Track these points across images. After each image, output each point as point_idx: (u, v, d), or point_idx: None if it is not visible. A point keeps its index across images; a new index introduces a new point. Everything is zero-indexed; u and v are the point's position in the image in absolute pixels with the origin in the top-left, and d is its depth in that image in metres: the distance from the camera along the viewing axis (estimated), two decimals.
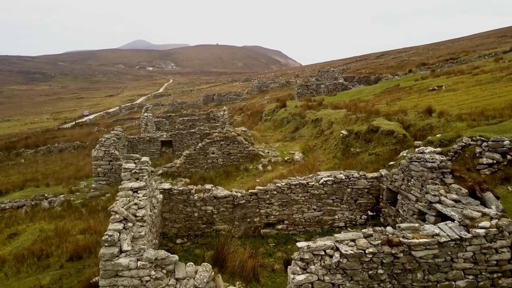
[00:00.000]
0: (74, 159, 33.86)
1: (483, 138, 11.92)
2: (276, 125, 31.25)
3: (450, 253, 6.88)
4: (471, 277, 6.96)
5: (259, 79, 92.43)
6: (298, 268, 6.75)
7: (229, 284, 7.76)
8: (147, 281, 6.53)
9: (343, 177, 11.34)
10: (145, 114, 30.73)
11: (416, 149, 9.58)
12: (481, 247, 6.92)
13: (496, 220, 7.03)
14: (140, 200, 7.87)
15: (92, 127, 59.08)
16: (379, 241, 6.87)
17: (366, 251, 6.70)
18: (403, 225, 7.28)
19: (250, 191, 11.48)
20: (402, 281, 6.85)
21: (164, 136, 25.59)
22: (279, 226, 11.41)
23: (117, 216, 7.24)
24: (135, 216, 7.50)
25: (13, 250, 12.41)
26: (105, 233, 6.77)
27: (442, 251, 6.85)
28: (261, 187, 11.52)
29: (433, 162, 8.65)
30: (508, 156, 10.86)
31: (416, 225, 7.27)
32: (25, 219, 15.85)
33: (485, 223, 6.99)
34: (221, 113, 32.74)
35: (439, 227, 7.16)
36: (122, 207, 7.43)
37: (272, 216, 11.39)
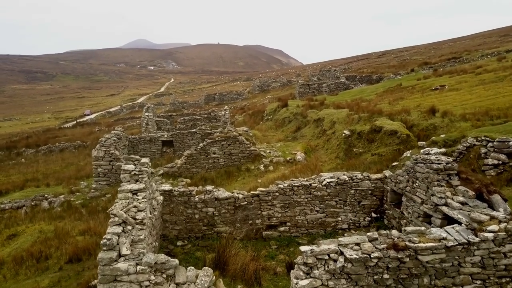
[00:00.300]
0: (74, 158, 33.74)
1: (488, 139, 11.73)
2: (277, 125, 31.07)
3: (457, 257, 6.70)
4: (479, 282, 6.78)
5: (261, 78, 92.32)
6: (301, 273, 6.58)
7: None
8: (146, 286, 6.36)
9: (347, 178, 11.15)
10: (146, 114, 30.57)
11: (422, 150, 9.39)
12: (490, 252, 6.74)
13: (505, 224, 6.84)
14: (139, 203, 7.70)
15: (93, 126, 58.98)
16: (385, 245, 6.69)
17: (371, 256, 6.52)
18: (409, 228, 7.10)
19: (251, 192, 11.31)
20: (408, 286, 6.67)
21: (165, 136, 25.43)
22: (282, 228, 11.24)
23: (116, 219, 7.07)
24: (135, 219, 7.33)
25: (12, 251, 12.27)
26: (103, 236, 6.61)
27: (449, 256, 6.67)
28: (263, 189, 11.34)
29: (439, 163, 8.46)
30: None
31: (423, 228, 7.08)
32: (25, 220, 15.72)
33: (494, 227, 6.81)
34: (223, 112, 32.57)
35: (446, 231, 6.97)
36: (121, 210, 7.26)
37: (274, 218, 11.22)
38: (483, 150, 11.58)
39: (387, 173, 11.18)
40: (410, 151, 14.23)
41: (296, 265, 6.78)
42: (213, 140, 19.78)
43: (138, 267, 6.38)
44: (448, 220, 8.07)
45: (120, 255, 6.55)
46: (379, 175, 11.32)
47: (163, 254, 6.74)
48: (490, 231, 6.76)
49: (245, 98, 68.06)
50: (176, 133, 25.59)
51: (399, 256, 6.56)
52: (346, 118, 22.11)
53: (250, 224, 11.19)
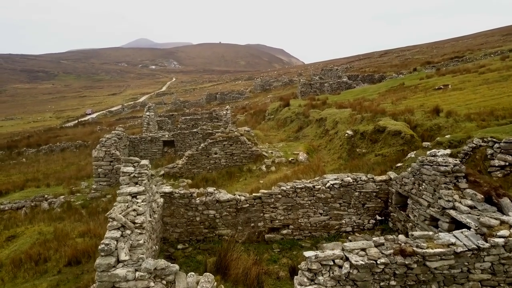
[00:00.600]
0: (75, 158, 33.60)
1: (494, 139, 11.53)
2: (279, 125, 30.85)
3: (467, 263, 6.50)
4: None
5: (262, 77, 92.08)
6: (305, 279, 6.38)
7: None
8: None
9: (351, 180, 10.93)
10: (147, 114, 30.38)
11: (428, 152, 9.17)
12: (500, 257, 6.53)
13: None
14: (139, 206, 7.50)
15: (95, 125, 58.85)
16: (391, 251, 6.48)
17: (378, 262, 6.31)
18: (416, 233, 6.88)
19: (254, 194, 11.09)
20: None
21: (166, 136, 25.24)
22: (284, 231, 11.02)
23: (115, 223, 6.88)
24: (134, 223, 7.14)
25: (10, 253, 12.11)
26: (101, 242, 6.42)
27: (458, 262, 6.46)
28: (265, 191, 11.12)
29: (446, 165, 8.24)
30: None
31: (430, 233, 6.87)
32: (24, 221, 15.57)
33: (504, 232, 6.60)
34: (224, 112, 32.35)
35: (455, 236, 6.76)
36: (120, 214, 7.07)
37: (277, 221, 11.01)
38: (489, 151, 11.38)
39: (392, 175, 10.97)
40: (415, 152, 14.02)
41: (300, 271, 6.59)
42: (215, 140, 19.58)
43: (137, 273, 6.19)
44: (456, 224, 7.86)
45: (118, 261, 6.37)
46: (384, 177, 11.10)
47: (163, 260, 6.54)
48: (500, 236, 6.56)
49: (247, 97, 67.85)
50: (177, 133, 25.39)
51: (406, 262, 6.35)
52: (349, 118, 21.87)
53: (252, 226, 10.99)
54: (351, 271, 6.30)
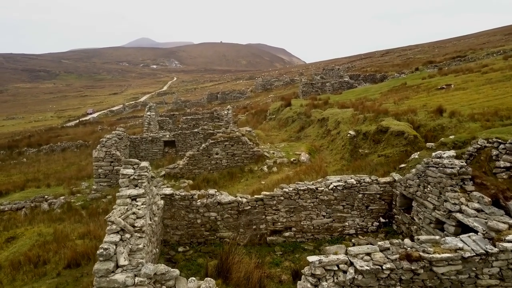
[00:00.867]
0: (76, 158, 33.47)
1: (500, 140, 11.32)
2: (281, 124, 30.67)
3: (474, 269, 6.33)
4: None
5: (263, 77, 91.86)
6: (308, 285, 6.24)
7: None
8: None
9: (354, 182, 10.75)
10: (148, 113, 30.24)
11: (433, 154, 8.99)
12: (508, 262, 6.38)
13: None
14: (138, 209, 7.34)
15: (96, 125, 58.73)
16: (397, 255, 6.33)
17: (383, 267, 6.16)
18: (422, 237, 6.72)
19: (255, 196, 10.92)
20: None
21: (167, 136, 25.08)
22: (287, 234, 10.86)
23: (114, 226, 6.72)
24: (133, 226, 6.98)
25: (9, 255, 11.98)
26: (100, 246, 6.26)
27: (466, 267, 6.30)
28: (267, 193, 10.96)
29: (452, 167, 8.07)
30: None
31: (437, 237, 6.71)
32: (24, 222, 15.45)
33: None
34: (225, 112, 32.16)
35: (462, 240, 6.60)
36: (119, 217, 6.91)
37: (279, 223, 10.84)
38: (494, 152, 11.18)
39: (396, 176, 10.79)
40: (418, 152, 13.84)
41: (303, 276, 6.43)
42: (216, 141, 19.43)
43: (137, 279, 6.03)
44: (462, 228, 7.69)
45: (117, 266, 6.20)
46: (388, 179, 10.92)
47: (163, 265, 6.38)
48: (509, 241, 6.40)
49: (248, 97, 67.68)
50: (178, 133, 25.24)
51: (412, 268, 6.20)
52: (351, 118, 21.69)
53: (254, 229, 10.82)
54: (355, 276, 6.15)
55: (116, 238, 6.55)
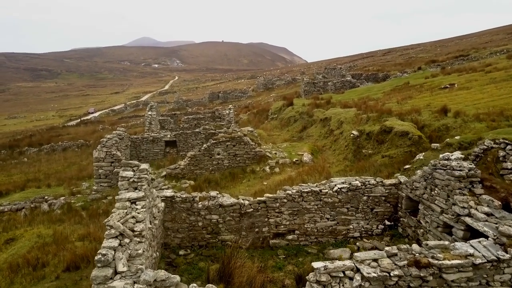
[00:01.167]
0: (77, 158, 33.31)
1: (507, 141, 11.09)
2: (283, 124, 30.43)
3: (485, 275, 6.12)
4: None
5: (265, 76, 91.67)
6: None
7: None
8: None
9: (359, 184, 10.52)
10: (149, 113, 30.06)
11: (441, 155, 8.75)
12: None
13: None
14: (138, 213, 7.13)
15: (97, 124, 58.58)
16: (405, 262, 6.11)
17: (391, 274, 5.94)
18: (431, 242, 6.50)
19: (258, 198, 10.70)
20: None
21: (168, 136, 24.88)
22: (290, 237, 10.63)
23: (113, 231, 6.52)
24: (133, 230, 6.78)
25: (8, 257, 11.80)
26: (98, 251, 6.06)
27: (477, 274, 6.08)
28: (270, 195, 10.72)
29: (461, 170, 7.84)
30: None
31: (446, 242, 6.48)
32: (24, 223, 15.28)
33: None
34: (227, 111, 31.94)
35: (472, 246, 6.38)
36: (118, 221, 6.72)
37: (282, 226, 10.62)
38: (501, 153, 10.95)
39: (402, 178, 10.56)
40: (423, 153, 13.61)
41: (308, 283, 6.22)
42: (218, 141, 19.22)
43: (136, 286, 5.83)
44: (471, 232, 7.47)
45: (116, 272, 6.01)
46: (393, 181, 10.69)
47: (163, 271, 6.18)
48: None
49: (250, 96, 67.47)
50: (179, 133, 25.04)
51: (421, 275, 5.98)
52: (354, 117, 21.44)
53: (257, 232, 10.60)
54: (362, 283, 5.94)
55: (115, 243, 6.36)
